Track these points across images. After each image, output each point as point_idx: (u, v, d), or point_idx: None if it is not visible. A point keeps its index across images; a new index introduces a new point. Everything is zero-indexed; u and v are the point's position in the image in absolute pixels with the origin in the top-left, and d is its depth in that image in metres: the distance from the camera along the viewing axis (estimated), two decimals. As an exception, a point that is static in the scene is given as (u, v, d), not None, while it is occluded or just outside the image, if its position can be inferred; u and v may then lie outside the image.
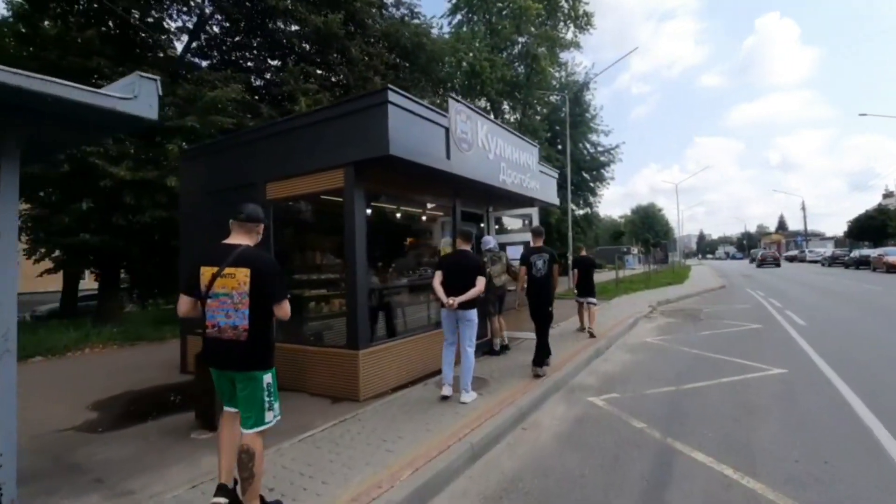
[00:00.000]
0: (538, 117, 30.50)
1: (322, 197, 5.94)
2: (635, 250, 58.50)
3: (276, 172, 5.91)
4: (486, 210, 8.47)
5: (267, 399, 2.69)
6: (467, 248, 5.13)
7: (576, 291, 9.32)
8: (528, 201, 8.77)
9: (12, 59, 10.77)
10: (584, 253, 9.73)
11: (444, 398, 4.89)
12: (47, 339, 9.74)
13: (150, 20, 13.51)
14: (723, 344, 8.10)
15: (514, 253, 7.54)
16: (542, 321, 5.94)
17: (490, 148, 7.02)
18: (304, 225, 6.97)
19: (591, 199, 33.67)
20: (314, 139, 5.55)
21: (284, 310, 2.76)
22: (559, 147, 29.54)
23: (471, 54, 25.08)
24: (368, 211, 5.59)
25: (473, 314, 4.88)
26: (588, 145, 32.63)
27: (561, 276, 9.50)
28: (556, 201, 9.99)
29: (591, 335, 8.51)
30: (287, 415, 3.86)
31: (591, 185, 32.99)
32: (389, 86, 5.10)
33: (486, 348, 7.17)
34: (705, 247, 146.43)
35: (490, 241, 7.31)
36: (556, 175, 10.05)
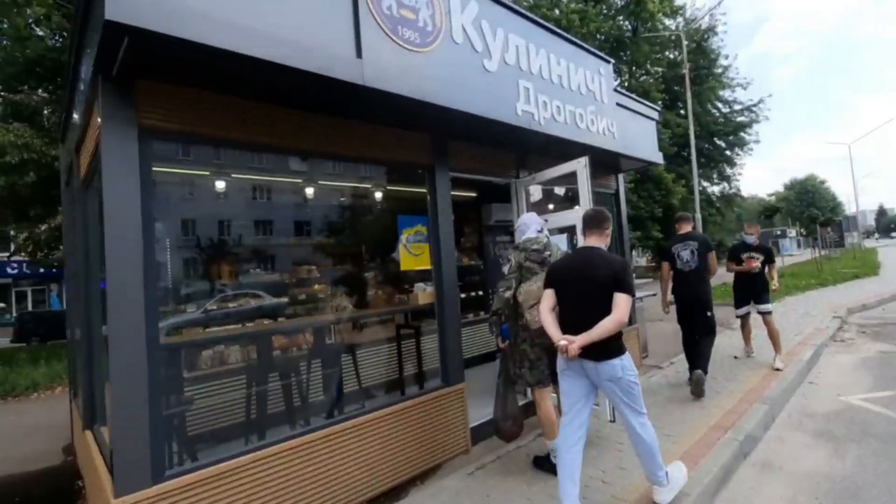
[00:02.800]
0: (650, 78, 25.01)
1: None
2: (793, 232, 47.68)
3: None
4: (516, 173, 4.92)
5: None
6: (600, 242, 2.82)
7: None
8: (593, 154, 5.12)
9: None
10: (750, 232, 5.74)
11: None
12: None
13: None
14: None
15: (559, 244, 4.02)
16: (700, 331, 4.74)
17: (491, 49, 3.64)
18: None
19: (729, 170, 26.95)
20: None
21: None
22: (681, 111, 23.86)
23: (556, 10, 21.04)
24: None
25: (620, 364, 2.58)
26: (720, 104, 26.07)
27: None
28: (657, 157, 6.08)
29: (777, 368, 5.45)
30: None
31: (727, 153, 26.33)
32: None
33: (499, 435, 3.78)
34: (888, 223, 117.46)
35: (531, 222, 3.47)
36: (655, 115, 6.13)
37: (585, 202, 3.76)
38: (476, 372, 5.27)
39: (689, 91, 16.95)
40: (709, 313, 4.72)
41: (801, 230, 44.95)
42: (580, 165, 3.81)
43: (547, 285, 2.80)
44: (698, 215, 16.08)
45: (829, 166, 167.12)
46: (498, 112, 3.69)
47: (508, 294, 3.17)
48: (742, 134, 25.77)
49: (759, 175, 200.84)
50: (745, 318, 5.93)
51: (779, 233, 42.61)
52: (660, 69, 25.59)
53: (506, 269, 3.29)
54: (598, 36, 22.95)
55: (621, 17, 24.43)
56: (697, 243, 4.82)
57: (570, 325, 2.59)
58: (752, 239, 5.63)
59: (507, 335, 3.37)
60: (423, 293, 3.81)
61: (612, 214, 6.40)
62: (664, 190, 22.03)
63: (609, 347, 2.51)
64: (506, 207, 5.46)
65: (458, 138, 4.14)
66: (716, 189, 27.73)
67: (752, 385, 4.94)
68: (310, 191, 3.72)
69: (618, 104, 5.28)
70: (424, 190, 3.93)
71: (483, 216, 6.78)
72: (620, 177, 6.37)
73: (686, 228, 5.03)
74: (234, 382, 3.55)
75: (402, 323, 4.13)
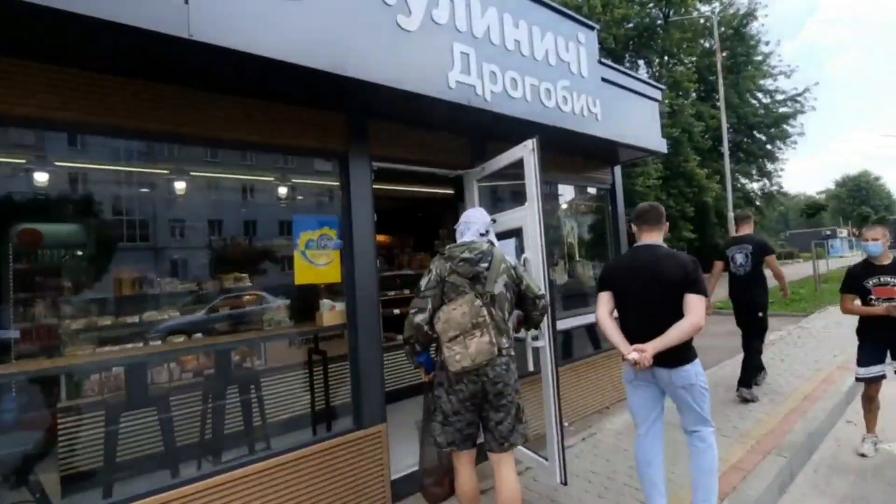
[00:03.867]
0: (682, 68, 23.42)
1: None
2: (843, 232, 44.29)
3: None
4: (470, 163, 4.03)
5: None
6: (658, 238, 2.56)
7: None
8: (573, 140, 4.25)
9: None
10: (873, 237, 3.42)
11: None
12: None
13: None
14: None
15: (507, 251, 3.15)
16: (751, 331, 4.70)
17: (410, 3, 2.84)
18: None
19: (770, 166, 24.97)
20: None
21: None
22: (716, 102, 22.23)
23: (577, -4, 19.87)
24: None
25: (694, 371, 2.39)
26: (760, 95, 24.16)
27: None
28: (658, 145, 5.09)
29: (862, 454, 3.61)
30: None
31: (768, 147, 24.38)
32: None
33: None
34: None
35: (474, 221, 2.56)
36: (656, 95, 5.13)
37: (533, 196, 2.91)
38: (410, 406, 4.42)
39: (720, 78, 15.50)
40: (760, 314, 4.64)
41: (854, 230, 41.62)
42: (526, 150, 2.95)
43: (603, 287, 2.60)
44: (731, 214, 14.64)
45: (885, 162, 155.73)
46: (419, 83, 2.88)
47: (420, 319, 2.32)
48: (784, 126, 23.80)
49: (808, 171, 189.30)
50: (873, 384, 3.50)
51: (828, 233, 39.57)
52: (693, 58, 23.96)
53: (423, 282, 2.42)
54: (625, 24, 21.63)
55: (651, 4, 22.95)
56: (752, 246, 4.64)
57: (635, 330, 2.42)
58: (877, 248, 3.38)
59: (430, 366, 2.52)
60: (329, 313, 3.05)
61: (606, 214, 5.50)
62: (696, 187, 20.48)
63: (683, 353, 2.36)
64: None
65: (385, 119, 3.35)
66: (755, 186, 25.78)
67: (772, 425, 3.94)
68: (181, 185, 2.98)
69: (604, 80, 4.35)
70: (337, 180, 3.17)
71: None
72: (616, 170, 5.42)
73: (745, 229, 4.85)
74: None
75: (311, 348, 3.35)
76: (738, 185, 24.67)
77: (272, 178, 3.14)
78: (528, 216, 2.96)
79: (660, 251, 2.48)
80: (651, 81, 5.11)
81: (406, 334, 2.39)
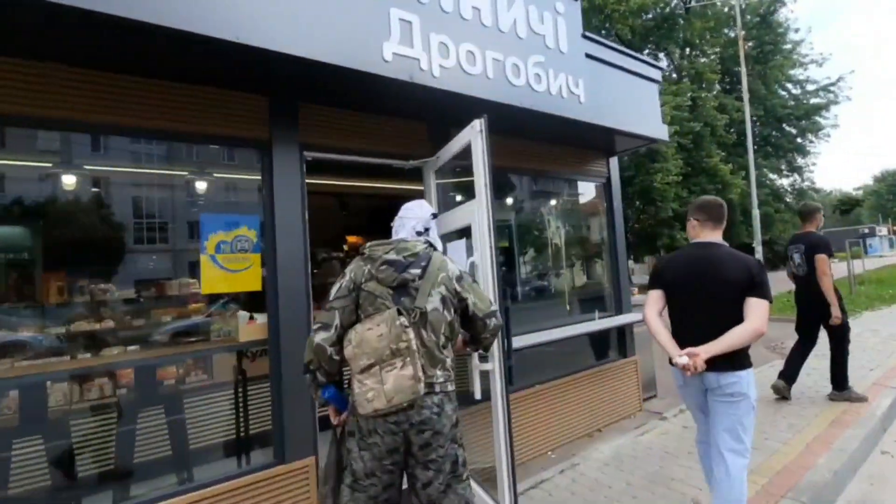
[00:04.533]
0: (704, 59, 22.39)
1: None
2: (883, 230, 41.88)
3: None
4: (430, 152, 3.45)
5: None
6: (719, 236, 2.37)
7: None
8: (549, 124, 3.73)
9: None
10: None
11: None
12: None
13: None
14: None
15: (457, 256, 2.63)
16: (832, 338, 4.35)
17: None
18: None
19: (800, 160, 23.64)
20: None
21: None
22: (742, 94, 21.19)
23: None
24: None
25: (747, 380, 2.21)
26: (790, 85, 22.88)
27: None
28: (658, 131, 4.46)
29: None
30: None
31: (798, 140, 23.06)
32: None
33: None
34: None
35: (413, 216, 2.04)
36: (655, 74, 4.52)
37: (482, 187, 2.40)
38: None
39: (743, 65, 14.56)
40: (831, 321, 4.23)
41: (895, 227, 39.36)
42: (473, 132, 2.44)
43: (655, 285, 2.43)
44: (756, 211, 13.72)
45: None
46: (338, 54, 2.41)
47: (323, 339, 1.80)
48: (816, 118, 22.46)
49: (843, 166, 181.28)
50: None
51: (865, 231, 37.45)
52: (717, 49, 22.85)
53: (333, 289, 1.90)
54: (644, 15, 20.75)
55: (670, -9, 21.97)
56: (804, 245, 4.37)
57: (688, 333, 2.26)
58: None
59: (341, 403, 1.95)
60: (246, 326, 2.61)
61: (602, 210, 4.93)
62: (720, 183, 19.46)
63: (738, 358, 2.21)
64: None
65: (320, 102, 2.90)
66: (785, 182, 24.43)
67: (789, 459, 3.32)
68: (70, 179, 2.56)
69: (589, 56, 3.79)
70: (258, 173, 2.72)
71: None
72: (613, 161, 4.84)
73: (807, 226, 4.52)
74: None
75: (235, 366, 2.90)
76: (767, 182, 23.40)
77: (183, 172, 2.70)
78: (476, 211, 2.45)
79: (722, 250, 2.31)
80: (649, 60, 4.51)
81: (305, 358, 1.86)
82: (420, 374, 1.69)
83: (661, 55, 24.13)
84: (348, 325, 1.81)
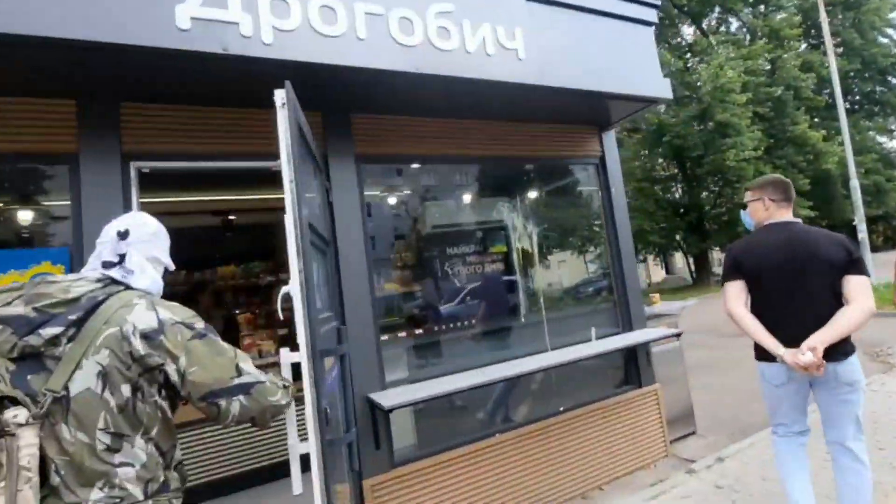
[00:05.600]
0: (779, 14, 19.64)
1: None
2: None
3: None
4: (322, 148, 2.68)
5: None
6: (790, 215, 2.23)
7: None
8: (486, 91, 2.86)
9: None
10: None
11: None
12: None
13: None
14: None
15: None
16: None
17: None
18: None
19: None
20: None
21: None
22: (837, 49, 18.22)
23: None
24: None
25: (858, 364, 2.10)
26: (891, 30, 19.32)
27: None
28: (656, 88, 3.37)
29: None
30: None
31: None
32: None
33: None
34: None
35: (108, 239, 1.30)
36: (651, 16, 3.42)
37: (288, 179, 1.63)
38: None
39: (822, 8, 12.23)
40: None
41: None
42: (278, 104, 1.69)
43: (734, 275, 2.21)
44: (855, 182, 11.39)
45: None
46: (112, 30, 1.80)
47: None
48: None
49: None
50: None
51: None
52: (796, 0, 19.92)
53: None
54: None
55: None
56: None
57: (785, 324, 2.06)
58: None
59: None
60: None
61: (599, 192, 3.89)
62: (810, 153, 16.71)
63: (848, 343, 2.06)
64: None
65: (143, 99, 2.30)
66: (891, 142, 20.61)
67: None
68: None
69: None
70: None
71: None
72: (608, 138, 3.80)
73: None
74: None
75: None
76: (874, 146, 19.78)
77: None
78: (286, 214, 1.68)
79: (810, 229, 2.20)
80: (637, 2, 3.44)
81: None
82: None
83: (732, 20, 21.59)
84: None
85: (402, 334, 2.97)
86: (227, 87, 2.32)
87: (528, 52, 2.75)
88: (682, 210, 19.10)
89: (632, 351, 3.53)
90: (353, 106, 2.79)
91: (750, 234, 2.32)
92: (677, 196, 20.10)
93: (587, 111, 3.54)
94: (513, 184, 3.76)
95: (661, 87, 3.42)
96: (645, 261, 24.69)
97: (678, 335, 3.39)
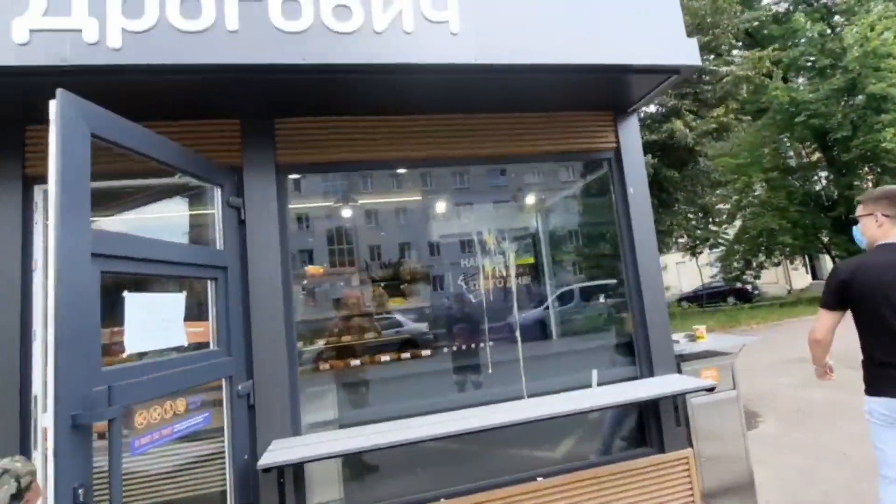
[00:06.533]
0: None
1: None
2: None
3: None
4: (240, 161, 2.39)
5: None
6: None
7: None
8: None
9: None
10: None
11: None
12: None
13: None
14: None
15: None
16: None
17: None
18: None
19: None
20: None
21: None
22: None
23: None
24: None
25: None
26: None
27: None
28: (674, 53, 2.51)
29: None
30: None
31: None
32: None
33: None
34: None
35: None
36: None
37: (59, 193, 1.31)
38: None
39: None
40: None
41: None
42: (51, 116, 1.36)
43: (839, 301, 1.98)
44: None
45: None
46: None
47: None
48: None
49: None
50: None
51: None
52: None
53: None
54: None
55: None
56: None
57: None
58: None
59: None
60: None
61: (610, 192, 3.07)
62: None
63: None
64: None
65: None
66: None
67: None
68: None
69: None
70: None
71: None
72: (626, 126, 2.97)
73: None
74: None
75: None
76: None
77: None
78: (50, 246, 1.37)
79: None
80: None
81: None
82: None
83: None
84: None
85: (328, 367, 2.57)
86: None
87: (465, 23, 2.18)
88: (826, 204, 15.81)
89: (653, 404, 2.69)
90: (276, 109, 2.47)
91: (862, 253, 2.04)
92: (818, 188, 16.73)
93: (575, 91, 2.80)
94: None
95: (686, 52, 2.55)
96: (779, 264, 20.91)
97: (711, 389, 2.47)
